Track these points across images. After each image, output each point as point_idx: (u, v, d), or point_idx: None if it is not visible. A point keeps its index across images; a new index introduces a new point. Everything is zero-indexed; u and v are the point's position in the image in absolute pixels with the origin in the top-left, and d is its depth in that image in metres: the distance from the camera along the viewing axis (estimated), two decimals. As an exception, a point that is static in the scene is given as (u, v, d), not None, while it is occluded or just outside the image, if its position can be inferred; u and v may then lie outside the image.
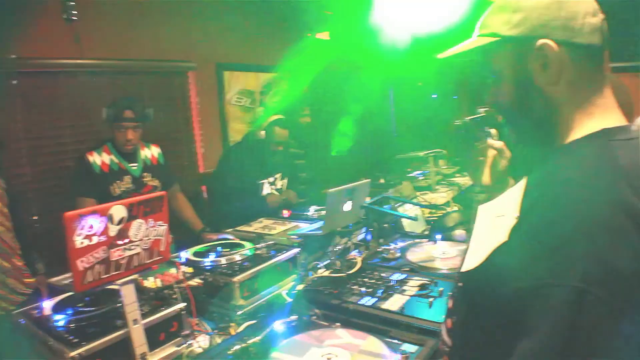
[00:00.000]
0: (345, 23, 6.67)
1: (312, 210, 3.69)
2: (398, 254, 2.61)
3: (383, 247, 2.67)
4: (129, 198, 1.68)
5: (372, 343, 1.67)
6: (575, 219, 0.86)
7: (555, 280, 0.83)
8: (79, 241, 1.52)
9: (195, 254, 2.52)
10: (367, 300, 2.01)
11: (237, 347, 1.58)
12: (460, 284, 1.13)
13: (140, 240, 1.70)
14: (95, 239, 1.56)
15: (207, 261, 2.39)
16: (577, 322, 0.80)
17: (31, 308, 2.03)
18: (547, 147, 1.11)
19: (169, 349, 1.87)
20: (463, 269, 1.07)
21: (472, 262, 1.03)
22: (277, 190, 4.24)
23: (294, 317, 1.85)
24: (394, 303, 1.98)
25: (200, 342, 1.96)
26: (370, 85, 7.56)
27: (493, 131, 1.74)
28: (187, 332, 1.94)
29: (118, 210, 1.60)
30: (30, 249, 3.02)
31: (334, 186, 2.49)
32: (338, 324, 1.84)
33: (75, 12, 3.87)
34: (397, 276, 2.27)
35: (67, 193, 3.52)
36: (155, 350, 1.82)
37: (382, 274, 2.31)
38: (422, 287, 2.13)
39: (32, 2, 3.70)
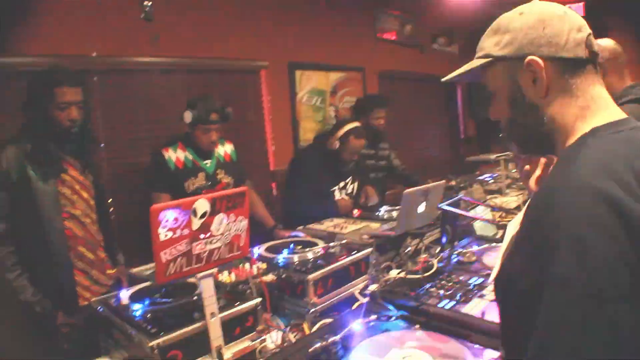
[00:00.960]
0: (414, 23, 6.63)
1: (382, 211, 3.65)
2: (474, 258, 2.54)
3: (459, 250, 2.61)
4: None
5: (454, 347, 1.63)
6: (559, 217, 0.90)
7: (545, 278, 0.88)
8: (163, 234, 1.53)
9: (268, 250, 2.52)
10: (446, 304, 1.97)
11: (317, 345, 1.56)
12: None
13: (222, 234, 1.71)
14: (178, 232, 1.57)
15: (280, 257, 2.39)
16: (569, 317, 0.84)
17: (109, 297, 2.08)
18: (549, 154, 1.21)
19: (243, 344, 1.88)
20: (490, 279, 1.18)
21: (495, 271, 1.17)
22: (348, 194, 4.19)
23: (372, 317, 1.82)
24: (473, 307, 1.93)
25: (273, 338, 1.97)
26: (439, 86, 7.50)
27: None
28: (261, 327, 1.95)
29: (201, 205, 1.61)
30: (111, 241, 3.09)
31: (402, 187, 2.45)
32: (417, 326, 1.80)
33: (153, 12, 3.95)
34: (474, 280, 2.21)
35: (142, 187, 3.59)
36: (230, 344, 1.83)
37: (460, 278, 2.26)
38: (502, 292, 2.07)
39: (112, 1, 3.79)
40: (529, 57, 1.10)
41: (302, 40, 5.37)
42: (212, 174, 3.51)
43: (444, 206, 2.51)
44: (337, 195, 4.13)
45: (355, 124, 4.15)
